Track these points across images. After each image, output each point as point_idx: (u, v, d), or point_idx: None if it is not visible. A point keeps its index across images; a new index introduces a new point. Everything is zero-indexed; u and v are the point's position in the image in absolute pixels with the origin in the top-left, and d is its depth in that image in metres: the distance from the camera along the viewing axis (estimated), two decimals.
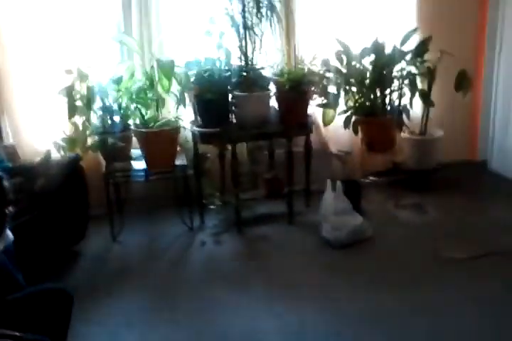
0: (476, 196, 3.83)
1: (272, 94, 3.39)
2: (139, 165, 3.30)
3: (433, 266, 2.87)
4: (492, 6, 4.03)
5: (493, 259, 2.87)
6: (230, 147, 3.30)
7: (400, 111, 3.66)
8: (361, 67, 3.63)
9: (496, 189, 3.95)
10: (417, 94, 3.72)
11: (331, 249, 3.09)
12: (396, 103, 3.69)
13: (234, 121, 3.35)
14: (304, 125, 3.43)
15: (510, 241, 3.08)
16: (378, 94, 3.63)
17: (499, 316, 2.38)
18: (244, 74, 3.30)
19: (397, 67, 3.65)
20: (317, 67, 3.50)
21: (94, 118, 3.26)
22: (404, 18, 3.89)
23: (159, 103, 3.27)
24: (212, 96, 3.14)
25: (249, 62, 3.32)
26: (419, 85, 3.76)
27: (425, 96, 3.77)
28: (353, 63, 3.63)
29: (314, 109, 3.67)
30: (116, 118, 3.28)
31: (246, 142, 3.57)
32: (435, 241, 3.13)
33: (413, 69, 3.69)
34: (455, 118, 4.14)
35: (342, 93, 3.64)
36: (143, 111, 3.27)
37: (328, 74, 3.58)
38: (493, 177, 4.14)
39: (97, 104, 3.21)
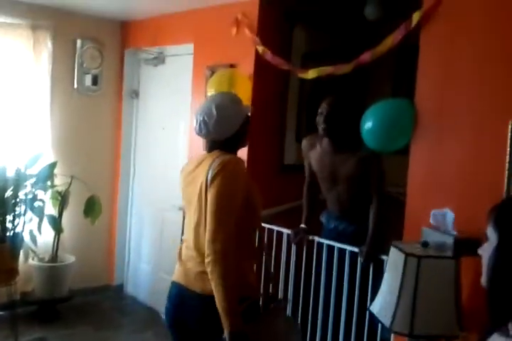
0: (106, 322, 3.73)
1: None
2: None
3: None
4: (125, 136, 4.29)
5: None
6: None
7: (23, 237, 3.45)
8: None
9: (128, 312, 3.96)
10: (46, 219, 3.61)
11: None
12: (20, 229, 3.49)
13: None
14: None
15: None
16: None
17: None
18: None
19: (23, 191, 3.50)
20: None
21: None
22: (34, 142, 3.81)
23: None
24: None
25: None
26: (51, 210, 3.68)
27: (54, 222, 3.68)
28: None
29: None
30: None
31: None
32: None
33: (41, 194, 3.61)
34: (90, 244, 4.11)
35: None
36: None
37: None
38: (128, 301, 4.16)
39: None
